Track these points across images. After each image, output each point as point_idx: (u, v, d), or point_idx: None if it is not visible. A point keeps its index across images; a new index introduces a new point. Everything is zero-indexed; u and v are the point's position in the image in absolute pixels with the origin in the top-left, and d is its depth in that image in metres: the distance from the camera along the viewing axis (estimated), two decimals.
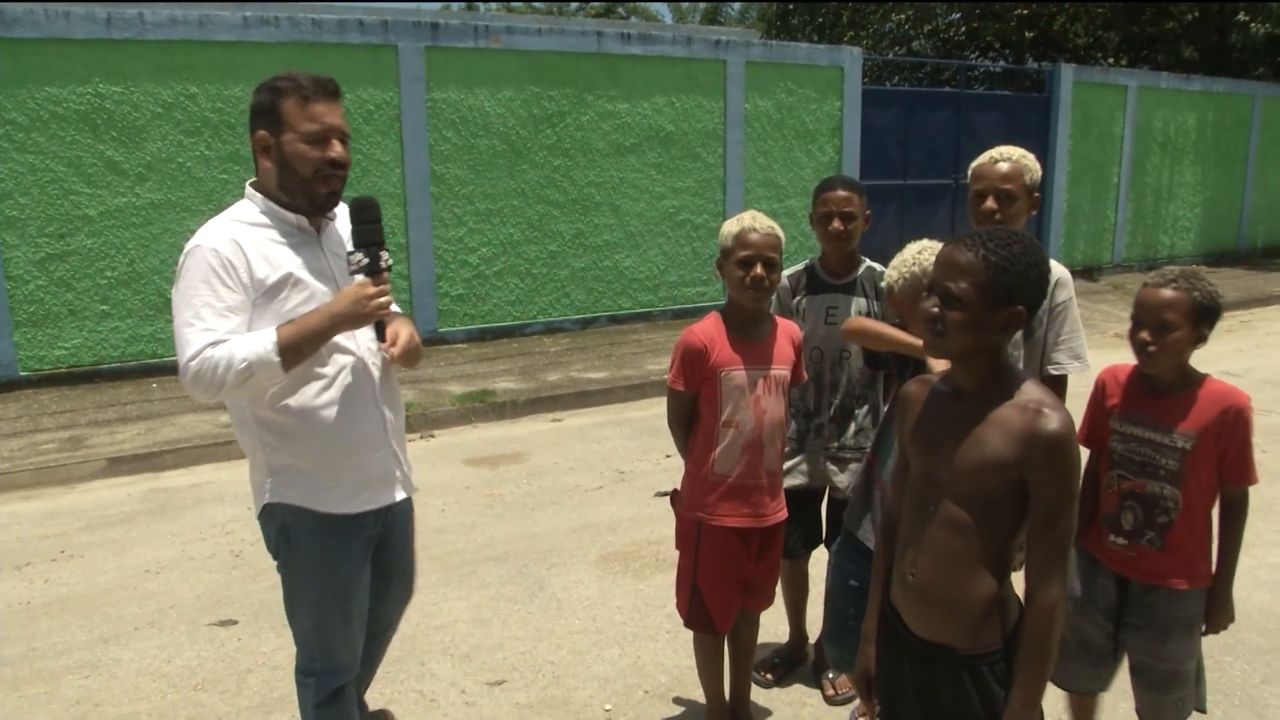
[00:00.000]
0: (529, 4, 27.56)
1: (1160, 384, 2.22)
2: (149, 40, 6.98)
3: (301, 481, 2.15)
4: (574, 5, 28.34)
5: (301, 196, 2.12)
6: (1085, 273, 12.49)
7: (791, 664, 3.23)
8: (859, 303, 2.96)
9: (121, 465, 5.46)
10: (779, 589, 2.88)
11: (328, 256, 2.20)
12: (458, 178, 8.33)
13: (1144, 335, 2.16)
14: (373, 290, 2.08)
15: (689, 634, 2.78)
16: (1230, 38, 16.16)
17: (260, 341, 1.97)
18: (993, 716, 1.67)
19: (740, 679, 2.84)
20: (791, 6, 19.19)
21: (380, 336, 2.18)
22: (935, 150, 11.25)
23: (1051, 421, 1.59)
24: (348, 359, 2.17)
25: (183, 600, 3.80)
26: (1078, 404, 2.17)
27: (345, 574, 2.23)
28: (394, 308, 2.18)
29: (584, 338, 8.81)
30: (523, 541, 4.36)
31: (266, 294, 2.06)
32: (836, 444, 3.01)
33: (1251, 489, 2.20)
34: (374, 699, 3.03)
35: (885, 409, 2.63)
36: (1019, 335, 2.41)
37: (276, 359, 1.97)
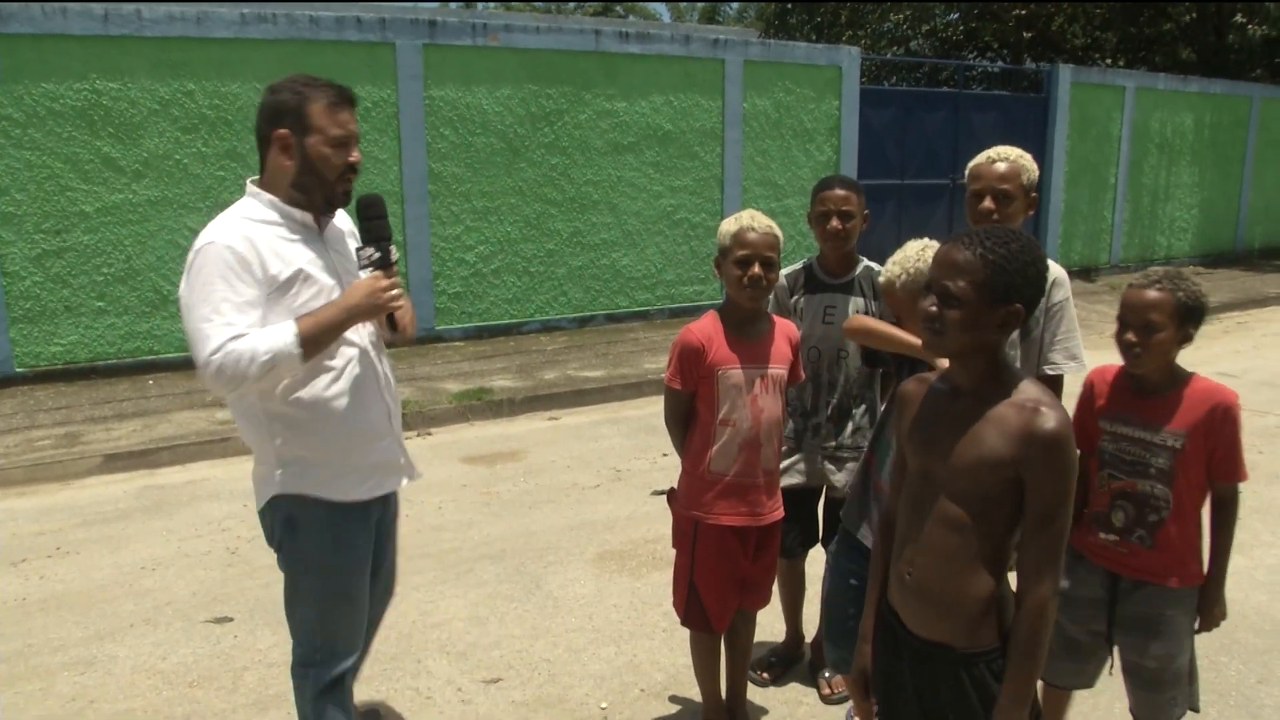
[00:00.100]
0: (527, 2, 27.53)
1: (1148, 384, 2.23)
2: (146, 37, 6.97)
3: (312, 472, 2.20)
4: (572, 4, 28.34)
5: (320, 196, 2.19)
6: (1082, 273, 12.50)
7: (788, 663, 3.23)
8: (857, 302, 2.97)
9: (117, 462, 5.45)
10: (776, 588, 2.88)
11: (330, 253, 2.26)
12: (455, 176, 8.32)
13: (1130, 336, 2.18)
14: (385, 283, 2.17)
15: (685, 632, 2.78)
16: (1228, 39, 16.18)
17: (281, 334, 2.03)
18: (992, 715, 1.67)
19: (736, 677, 2.83)
20: (790, 6, 19.21)
21: (393, 327, 2.29)
22: (933, 150, 11.26)
23: (1049, 420, 1.59)
24: (353, 351, 2.25)
25: (178, 597, 3.80)
26: (1070, 404, 2.17)
27: (351, 561, 2.29)
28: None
29: (581, 336, 8.81)
30: (519, 540, 4.36)
31: (279, 289, 2.11)
32: (834, 443, 3.01)
33: (1249, 490, 2.21)
34: (369, 695, 3.03)
35: (882, 408, 2.63)
36: (1016, 335, 2.41)
37: (298, 351, 2.04)
